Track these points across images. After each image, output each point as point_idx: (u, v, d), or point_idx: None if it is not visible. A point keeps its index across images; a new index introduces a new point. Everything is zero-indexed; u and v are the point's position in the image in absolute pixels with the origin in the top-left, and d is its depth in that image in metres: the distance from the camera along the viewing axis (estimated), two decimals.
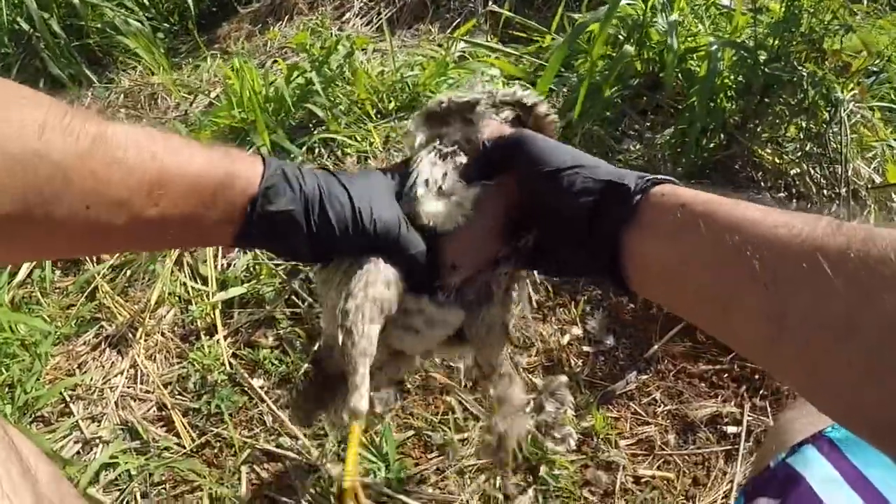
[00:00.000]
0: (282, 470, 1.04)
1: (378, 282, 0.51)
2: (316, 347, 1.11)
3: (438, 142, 0.56)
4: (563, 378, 0.99)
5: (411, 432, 1.04)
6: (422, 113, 0.58)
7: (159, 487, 1.08)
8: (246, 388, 1.13)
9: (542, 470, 1.01)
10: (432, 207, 0.52)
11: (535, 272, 0.60)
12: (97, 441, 1.17)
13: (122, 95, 1.90)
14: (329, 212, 0.50)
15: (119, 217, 0.44)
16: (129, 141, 0.44)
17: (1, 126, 0.40)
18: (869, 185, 1.46)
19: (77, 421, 1.19)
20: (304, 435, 1.05)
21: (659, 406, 1.10)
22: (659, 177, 0.47)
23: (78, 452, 1.17)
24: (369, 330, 0.49)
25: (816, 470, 0.62)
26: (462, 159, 0.55)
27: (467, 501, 0.99)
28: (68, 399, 1.23)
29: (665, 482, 1.05)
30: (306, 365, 1.15)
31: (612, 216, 0.46)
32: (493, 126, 0.57)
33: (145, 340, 1.26)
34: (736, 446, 1.10)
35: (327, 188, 0.51)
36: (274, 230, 0.50)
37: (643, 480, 1.04)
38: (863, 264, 0.34)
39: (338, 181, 0.52)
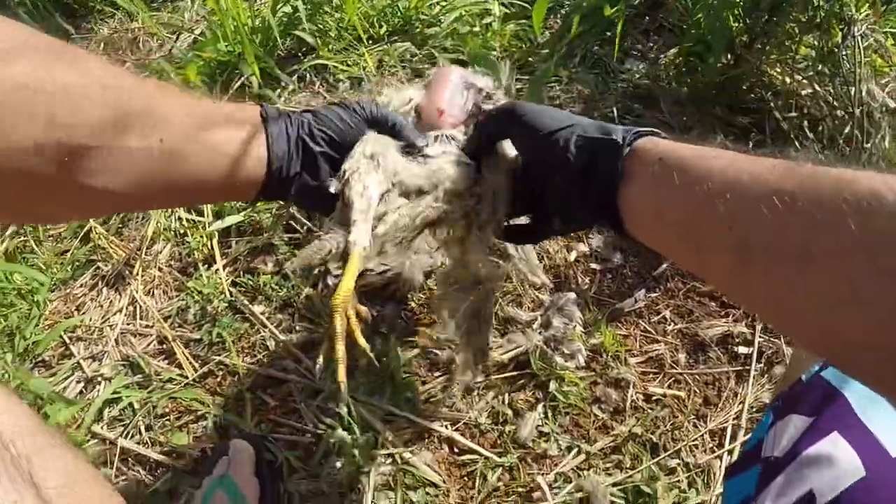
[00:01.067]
0: (286, 393, 1.03)
1: (370, 142, 0.59)
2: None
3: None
4: (571, 294, 0.97)
5: (416, 351, 1.03)
6: None
7: (163, 419, 1.07)
8: (247, 315, 1.11)
9: (552, 386, 0.99)
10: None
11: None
12: (99, 379, 1.15)
13: (102, 44, 1.84)
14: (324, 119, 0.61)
15: (191, 146, 0.52)
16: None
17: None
18: (884, 108, 1.42)
19: (78, 361, 1.17)
20: (308, 357, 1.04)
21: (669, 324, 1.08)
22: (643, 129, 0.53)
23: (81, 391, 1.15)
24: (365, 179, 0.57)
25: (855, 384, 0.57)
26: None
27: (476, 418, 0.98)
28: (68, 341, 1.21)
29: (676, 401, 1.03)
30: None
31: (605, 169, 0.52)
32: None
33: (142, 276, 1.24)
34: (747, 367, 1.08)
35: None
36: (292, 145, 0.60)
37: (654, 399, 1.03)
38: (813, 202, 0.37)
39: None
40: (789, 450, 0.57)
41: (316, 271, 1.08)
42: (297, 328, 1.07)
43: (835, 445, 0.53)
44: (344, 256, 0.58)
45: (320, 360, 0.58)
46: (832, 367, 0.61)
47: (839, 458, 0.52)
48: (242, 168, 0.58)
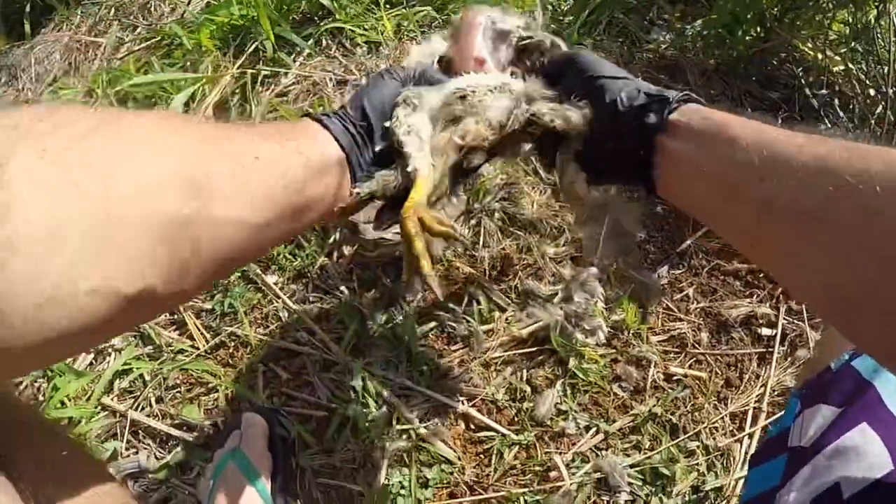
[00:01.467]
0: (299, 366, 1.01)
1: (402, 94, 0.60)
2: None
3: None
4: (593, 269, 0.94)
5: (433, 324, 1.00)
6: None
7: (174, 391, 1.06)
8: (260, 286, 1.08)
9: (571, 363, 0.97)
10: None
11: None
12: (109, 350, 1.13)
13: (112, 10, 1.80)
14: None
15: (305, 173, 0.52)
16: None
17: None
18: None
19: None
20: (322, 329, 1.01)
21: (692, 303, 1.05)
22: (693, 96, 0.54)
23: (91, 363, 1.13)
24: (406, 121, 0.59)
25: (886, 375, 0.55)
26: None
27: (493, 394, 0.96)
28: None
29: (697, 381, 1.01)
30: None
31: (650, 121, 0.53)
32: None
33: None
34: (770, 350, 1.05)
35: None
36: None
37: (674, 378, 1.00)
38: (842, 167, 0.39)
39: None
40: (817, 440, 0.55)
41: (332, 240, 1.05)
42: (311, 299, 1.05)
43: (863, 437, 0.52)
44: (406, 187, 0.58)
45: (404, 276, 0.57)
46: (860, 353, 0.58)
47: (867, 451, 0.50)
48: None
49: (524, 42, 0.67)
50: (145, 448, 1.04)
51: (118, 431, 1.04)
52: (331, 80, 1.27)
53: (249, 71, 1.26)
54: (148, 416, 1.04)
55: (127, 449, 1.04)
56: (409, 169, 0.57)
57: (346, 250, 1.04)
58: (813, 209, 0.40)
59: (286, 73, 1.28)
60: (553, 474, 0.92)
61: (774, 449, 0.61)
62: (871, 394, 0.54)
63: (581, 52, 0.63)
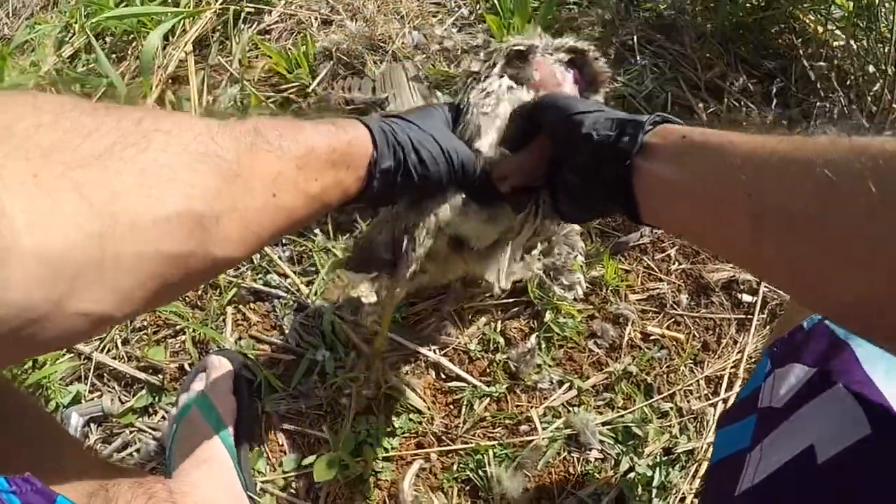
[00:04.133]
0: (269, 309, 0.98)
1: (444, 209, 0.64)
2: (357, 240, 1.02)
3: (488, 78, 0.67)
4: (576, 226, 0.92)
5: None
6: (485, 52, 0.70)
7: (140, 333, 1.03)
8: None
9: (548, 316, 0.95)
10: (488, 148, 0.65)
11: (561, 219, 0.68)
12: None
13: None
14: (426, 160, 0.60)
15: (297, 198, 0.50)
16: (268, 128, 0.49)
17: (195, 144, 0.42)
18: None
19: None
20: (294, 272, 0.99)
21: (673, 264, 1.03)
22: (669, 116, 0.54)
23: None
24: (427, 242, 0.64)
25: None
26: (517, 93, 0.67)
27: (465, 344, 0.93)
28: None
29: (674, 343, 0.99)
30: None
31: (624, 146, 0.52)
32: (544, 67, 0.69)
33: None
34: (749, 316, 1.03)
35: (415, 137, 0.61)
36: (390, 181, 0.59)
37: (651, 338, 0.98)
38: (830, 166, 0.38)
39: (416, 126, 0.62)
40: (789, 401, 0.53)
41: None
42: (284, 241, 1.02)
43: (839, 399, 0.49)
44: None
45: None
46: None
47: (843, 413, 0.48)
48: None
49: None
50: (110, 391, 1.01)
51: (82, 374, 1.01)
52: (316, 19, 1.23)
53: (232, 7, 1.22)
54: (113, 358, 1.02)
55: (91, 392, 1.01)
56: (396, 289, 0.64)
57: None
58: (807, 217, 0.39)
59: (270, 11, 1.24)
60: (524, 428, 0.91)
61: (744, 409, 0.59)
62: (847, 354, 0.52)
63: (551, 96, 0.65)
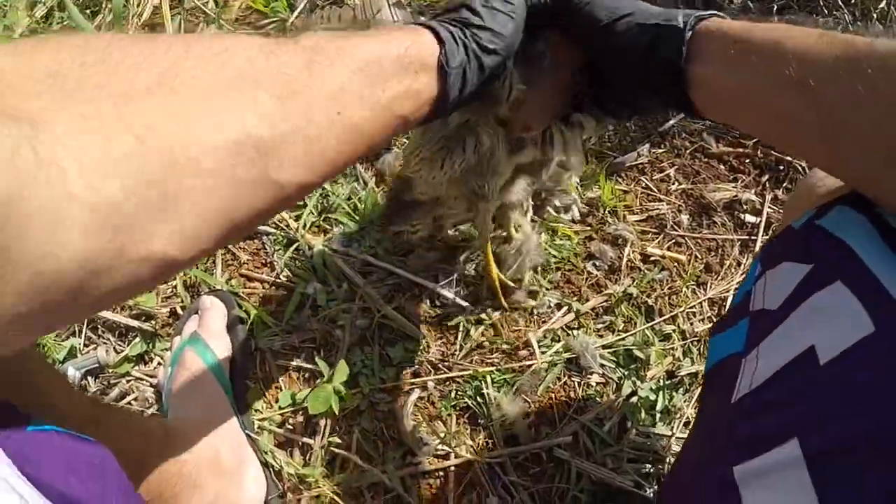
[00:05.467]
0: (258, 246, 0.96)
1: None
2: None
3: None
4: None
5: None
6: None
7: None
8: None
9: (543, 238, 0.92)
10: None
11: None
12: None
13: None
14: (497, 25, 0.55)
15: (365, 111, 0.46)
16: (324, 42, 0.46)
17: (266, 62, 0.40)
18: None
19: None
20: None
21: (672, 184, 1.00)
22: (705, 13, 0.52)
23: None
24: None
25: (859, 231, 0.47)
26: None
27: (460, 270, 0.91)
28: None
29: (675, 264, 0.96)
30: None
31: (666, 55, 0.51)
32: None
33: None
34: (753, 237, 1.01)
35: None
36: (464, 78, 0.54)
37: (652, 259, 0.96)
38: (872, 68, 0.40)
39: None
40: (784, 301, 0.49)
41: None
42: None
43: (838, 296, 0.45)
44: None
45: None
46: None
47: (843, 311, 0.44)
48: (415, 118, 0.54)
49: None
50: (104, 343, 1.00)
51: (76, 329, 1.00)
52: None
53: None
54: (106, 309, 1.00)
55: (86, 346, 1.00)
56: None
57: None
58: (858, 89, 0.40)
59: None
60: (522, 353, 0.89)
61: (735, 315, 0.55)
62: (843, 249, 0.47)
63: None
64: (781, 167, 1.05)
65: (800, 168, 1.04)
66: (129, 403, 0.95)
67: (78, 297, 0.32)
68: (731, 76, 0.49)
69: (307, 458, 0.87)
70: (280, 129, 0.40)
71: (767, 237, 1.00)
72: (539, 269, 0.92)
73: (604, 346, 0.90)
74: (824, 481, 0.39)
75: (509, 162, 0.67)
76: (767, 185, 1.04)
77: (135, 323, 0.98)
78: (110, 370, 0.97)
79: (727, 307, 0.95)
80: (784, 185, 1.04)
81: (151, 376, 0.96)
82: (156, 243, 0.34)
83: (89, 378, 0.98)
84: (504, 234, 0.88)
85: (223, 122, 0.37)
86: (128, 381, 0.97)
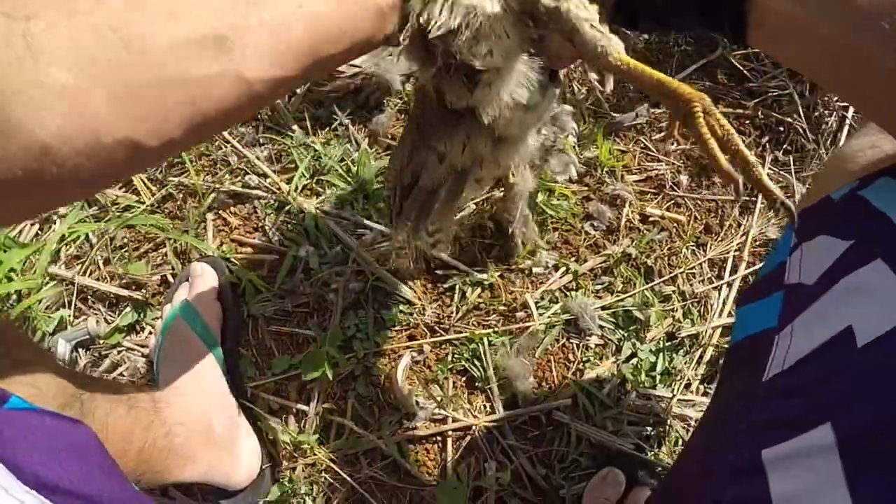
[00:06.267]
0: (250, 211, 0.94)
1: None
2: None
3: None
4: (567, 107, 0.87)
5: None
6: None
7: (122, 251, 0.99)
8: None
9: (539, 198, 0.90)
10: None
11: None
12: (54, 217, 1.06)
13: None
14: None
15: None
16: None
17: None
18: None
19: None
20: (273, 171, 0.94)
21: (672, 144, 0.98)
22: None
23: (37, 234, 1.06)
24: None
25: None
26: None
27: (455, 231, 0.89)
28: None
29: (675, 224, 0.95)
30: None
31: None
32: None
33: None
34: (753, 199, 0.99)
35: None
36: None
37: (650, 220, 0.94)
38: None
39: None
40: (821, 277, 0.46)
41: None
42: (262, 140, 0.97)
43: (879, 275, 0.43)
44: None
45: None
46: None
47: (885, 290, 0.42)
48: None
49: None
50: (95, 314, 0.98)
51: (65, 300, 0.98)
52: None
53: None
54: (96, 279, 0.98)
55: (76, 318, 0.98)
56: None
57: (298, 88, 0.95)
58: None
59: None
60: (520, 315, 0.87)
61: (768, 286, 0.52)
62: (886, 224, 0.45)
63: None
64: (781, 128, 1.03)
65: (800, 130, 1.02)
66: (120, 374, 0.93)
67: (67, 177, 0.36)
68: (797, 8, 0.44)
69: (302, 425, 0.86)
70: (241, 23, 0.40)
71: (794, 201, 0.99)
72: (537, 228, 0.90)
73: (602, 308, 0.88)
74: (855, 466, 0.38)
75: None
76: (767, 146, 1.02)
77: (125, 292, 0.96)
78: (101, 341, 0.95)
79: (727, 269, 0.93)
80: (784, 146, 1.03)
81: (143, 346, 0.94)
82: (121, 132, 0.37)
83: (80, 350, 0.97)
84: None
85: (184, 17, 0.39)
86: (119, 352, 0.95)
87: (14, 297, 0.98)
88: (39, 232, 1.06)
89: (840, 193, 0.50)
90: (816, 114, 1.04)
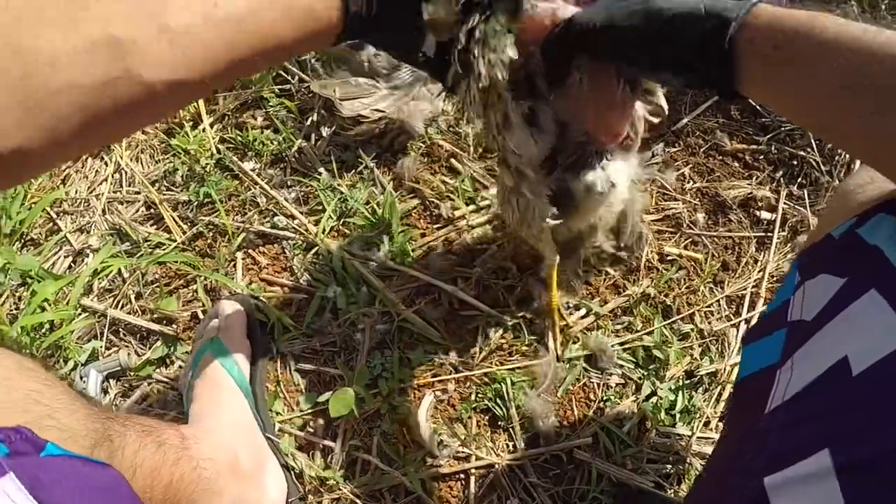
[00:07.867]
0: (278, 251, 0.97)
1: None
2: None
3: None
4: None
5: (416, 202, 0.96)
6: None
7: (153, 286, 1.02)
8: (237, 172, 1.04)
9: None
10: None
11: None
12: (87, 251, 1.10)
13: None
14: None
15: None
16: None
17: None
18: None
19: (65, 235, 1.12)
20: (301, 213, 0.97)
21: (687, 182, 1.00)
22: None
23: (70, 266, 1.10)
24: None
25: (894, 237, 0.46)
26: None
27: (479, 273, 0.92)
28: (55, 216, 1.15)
29: (692, 263, 0.96)
30: None
31: (719, 40, 0.48)
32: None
33: (127, 142, 1.17)
34: (769, 234, 1.00)
35: None
36: None
37: (669, 259, 0.96)
38: None
39: None
40: (820, 312, 0.48)
41: (309, 122, 1.00)
42: (290, 183, 1.01)
43: (872, 305, 0.44)
44: None
45: None
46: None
47: (878, 320, 0.43)
48: (319, 18, 0.50)
49: None
50: (126, 346, 1.01)
51: (98, 332, 1.01)
52: None
53: None
54: (128, 313, 1.02)
55: (108, 349, 1.02)
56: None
57: (324, 131, 0.99)
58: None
59: None
60: (542, 354, 0.89)
61: (772, 323, 0.55)
62: (878, 258, 0.46)
63: (576, 16, 0.56)
64: (795, 162, 1.05)
65: (814, 163, 1.04)
66: (149, 405, 0.96)
67: None
68: (777, 68, 0.47)
69: (328, 460, 0.88)
70: (143, 28, 0.41)
71: (784, 233, 1.00)
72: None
73: (621, 344, 0.90)
74: (854, 492, 0.39)
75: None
76: (782, 181, 1.04)
77: (156, 327, 0.99)
78: (132, 373, 0.98)
79: (745, 306, 0.95)
80: (798, 180, 1.04)
81: (172, 379, 0.97)
82: (12, 140, 0.38)
83: (111, 380, 1.00)
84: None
85: (81, 24, 0.39)
86: (149, 384, 0.98)
87: (47, 326, 1.02)
88: (73, 264, 1.10)
89: (839, 231, 0.52)
90: (829, 146, 1.05)
